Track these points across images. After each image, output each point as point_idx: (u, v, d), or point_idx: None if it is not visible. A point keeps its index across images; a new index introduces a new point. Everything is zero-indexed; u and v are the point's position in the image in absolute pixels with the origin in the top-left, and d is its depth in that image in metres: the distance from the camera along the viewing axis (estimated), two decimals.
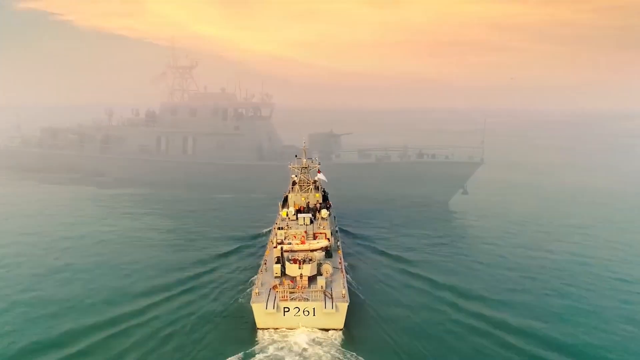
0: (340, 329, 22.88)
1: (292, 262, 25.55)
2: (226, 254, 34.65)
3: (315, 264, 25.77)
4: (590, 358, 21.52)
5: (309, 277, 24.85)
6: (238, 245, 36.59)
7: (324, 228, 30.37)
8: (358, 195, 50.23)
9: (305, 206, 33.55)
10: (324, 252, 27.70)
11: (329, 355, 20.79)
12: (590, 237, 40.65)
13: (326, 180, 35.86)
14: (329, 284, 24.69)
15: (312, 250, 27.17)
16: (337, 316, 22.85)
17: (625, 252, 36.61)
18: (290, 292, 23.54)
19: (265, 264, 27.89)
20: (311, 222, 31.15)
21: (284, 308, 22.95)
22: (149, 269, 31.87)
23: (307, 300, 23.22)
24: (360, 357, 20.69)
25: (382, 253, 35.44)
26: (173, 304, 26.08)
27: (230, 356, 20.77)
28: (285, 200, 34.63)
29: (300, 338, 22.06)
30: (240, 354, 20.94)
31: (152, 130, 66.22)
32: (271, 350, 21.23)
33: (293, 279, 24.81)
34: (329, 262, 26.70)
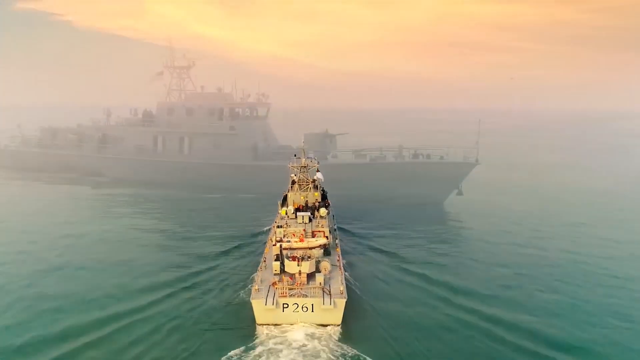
0: (338, 325, 23.43)
1: (291, 259, 26.10)
2: (225, 252, 35.19)
3: (313, 261, 26.31)
4: (578, 349, 22.19)
5: (308, 274, 25.41)
6: (237, 244, 37.14)
7: (322, 226, 30.88)
8: (354, 195, 50.51)
9: (304, 205, 34.05)
10: (322, 250, 28.25)
11: (327, 349, 21.36)
12: (584, 236, 41.29)
13: (322, 180, 36.37)
14: (327, 280, 25.21)
15: (310, 248, 27.72)
16: (335, 312, 23.39)
17: (617, 249, 37.28)
18: (289, 289, 24.06)
19: (265, 261, 28.46)
20: (310, 220, 31.66)
21: (283, 304, 23.48)
22: (150, 267, 32.38)
23: (306, 296, 23.74)
24: (357, 351, 21.28)
25: (379, 250, 36.16)
26: (175, 300, 26.65)
27: (231, 350, 21.34)
28: (285, 199, 35.12)
29: (299, 333, 22.61)
30: (242, 348, 21.50)
31: (149, 130, 66.32)
32: (271, 344, 21.78)
33: (292, 275, 25.35)
34: (327, 259, 27.25)
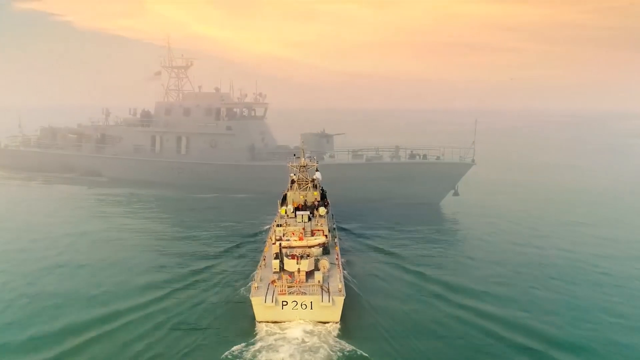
0: (337, 322, 23.83)
1: (290, 257, 26.49)
2: (225, 251, 35.59)
3: (312, 259, 26.70)
4: (570, 344, 22.69)
5: (307, 272, 25.80)
6: (237, 243, 37.55)
7: (321, 225, 31.25)
8: (351, 195, 50.69)
9: (303, 204, 34.39)
10: (321, 249, 28.64)
11: (325, 345, 21.79)
12: (580, 235, 41.71)
13: (321, 179, 36.71)
14: (326, 278, 25.61)
15: (309, 247, 28.12)
16: (333, 309, 23.79)
17: (612, 248, 37.74)
18: (289, 287, 24.46)
19: (264, 259, 28.86)
20: (309, 219, 32.01)
21: (283, 302, 23.87)
22: (151, 265, 32.75)
23: (305, 294, 24.13)
24: (355, 347, 21.72)
25: (378, 249, 36.65)
26: (176, 297, 27.06)
27: (232, 346, 21.78)
28: (284, 198, 35.46)
29: (298, 330, 23.01)
30: (242, 344, 21.94)
31: (146, 130, 66.50)
32: (270, 341, 22.21)
33: (291, 274, 25.75)
34: (326, 258, 27.65)
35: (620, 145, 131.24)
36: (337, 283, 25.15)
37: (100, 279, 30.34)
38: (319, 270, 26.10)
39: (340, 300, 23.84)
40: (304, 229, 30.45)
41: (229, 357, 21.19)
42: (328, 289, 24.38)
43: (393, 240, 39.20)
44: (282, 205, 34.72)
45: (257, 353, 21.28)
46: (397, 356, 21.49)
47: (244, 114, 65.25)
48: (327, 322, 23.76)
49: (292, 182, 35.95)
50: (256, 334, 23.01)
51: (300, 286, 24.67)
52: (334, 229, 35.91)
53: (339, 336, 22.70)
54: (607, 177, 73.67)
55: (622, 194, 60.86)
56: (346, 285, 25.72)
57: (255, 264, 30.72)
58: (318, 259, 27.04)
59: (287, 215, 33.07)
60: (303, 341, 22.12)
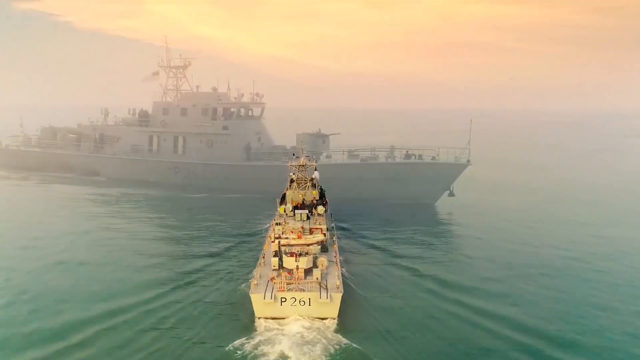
0: (335, 318, 24.36)
1: (289, 255, 27.03)
2: (225, 249, 36.08)
3: (311, 257, 27.25)
4: (561, 339, 23.28)
5: (305, 270, 26.36)
6: (237, 241, 38.07)
7: (319, 224, 31.80)
8: (347, 195, 50.96)
9: (302, 203, 34.93)
10: (319, 247, 29.20)
11: (323, 340, 22.34)
12: (576, 233, 42.29)
13: (318, 178, 37.18)
14: (324, 276, 26.16)
15: (308, 245, 28.71)
16: (331, 306, 24.32)
17: (607, 246, 38.33)
18: (287, 284, 25.00)
19: (264, 257, 29.41)
20: (308, 218, 32.58)
21: (281, 298, 24.39)
22: (152, 263, 33.26)
23: (303, 291, 24.67)
24: (352, 343, 22.26)
25: (375, 247, 37.30)
26: (178, 294, 27.59)
27: (232, 341, 22.34)
28: (284, 197, 35.99)
29: (297, 326, 23.56)
30: (242, 339, 22.49)
31: (144, 130, 66.72)
32: (269, 336, 22.77)
33: (290, 271, 26.29)
34: (324, 255, 28.21)
35: (621, 145, 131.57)
36: (335, 280, 25.69)
37: (101, 276, 30.88)
38: (317, 267, 26.65)
39: (337, 296, 24.37)
40: (302, 227, 31.04)
41: (230, 350, 21.75)
42: (326, 286, 24.92)
43: (390, 239, 39.78)
44: (281, 204, 35.29)
45: (257, 347, 21.85)
46: (392, 351, 22.06)
47: (240, 113, 65.38)
48: (325, 318, 24.28)
49: (291, 181, 36.48)
50: (255, 329, 23.57)
51: (298, 283, 25.21)
52: (333, 227, 36.41)
53: (336, 332, 23.26)
54: (604, 177, 74.11)
55: (620, 193, 61.37)
56: (344, 283, 26.26)
57: (254, 261, 31.25)
58: (316, 257, 27.61)
59: (286, 214, 33.64)
60: (302, 336, 22.66)
